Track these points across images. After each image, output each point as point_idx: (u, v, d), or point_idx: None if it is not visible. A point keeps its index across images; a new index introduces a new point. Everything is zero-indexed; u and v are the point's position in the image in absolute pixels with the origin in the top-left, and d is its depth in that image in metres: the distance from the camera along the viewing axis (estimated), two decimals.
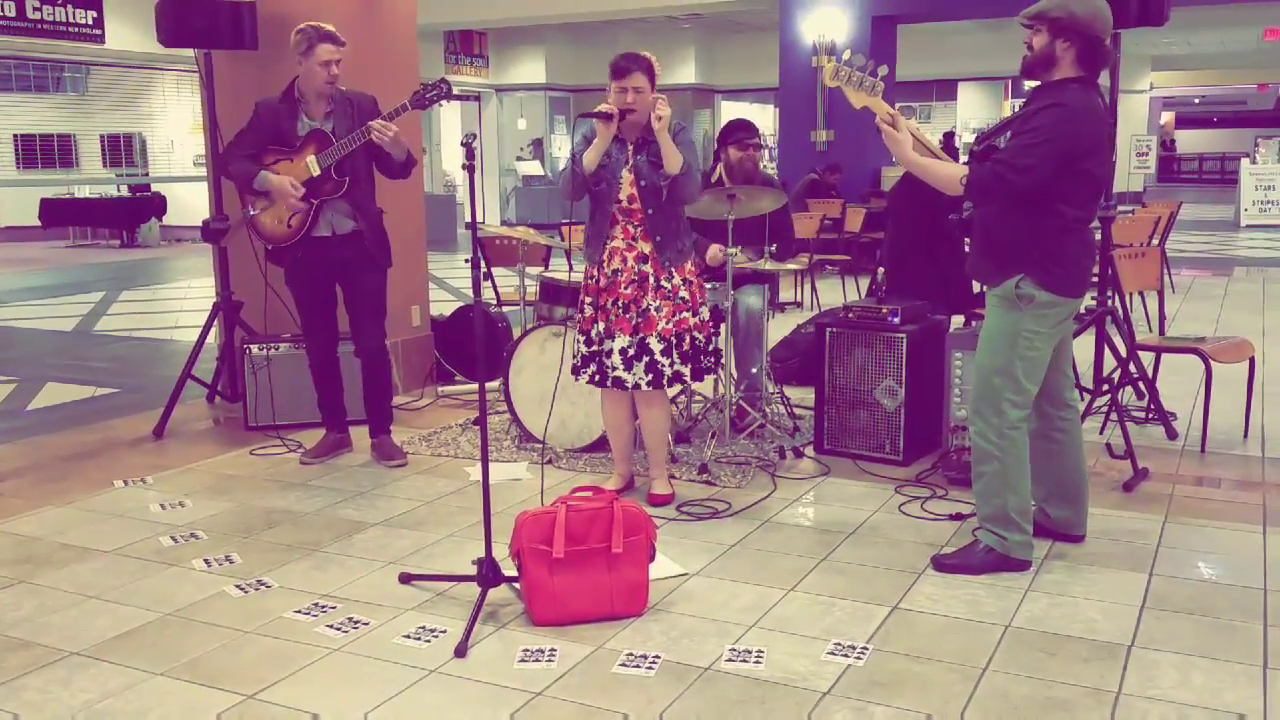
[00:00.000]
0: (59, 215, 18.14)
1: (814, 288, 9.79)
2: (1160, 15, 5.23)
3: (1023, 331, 3.54)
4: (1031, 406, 3.67)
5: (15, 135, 18.66)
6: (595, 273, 4.24)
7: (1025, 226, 3.52)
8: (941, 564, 3.69)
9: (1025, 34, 3.57)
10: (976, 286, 6.04)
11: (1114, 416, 5.12)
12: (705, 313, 4.34)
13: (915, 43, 16.67)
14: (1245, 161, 19.25)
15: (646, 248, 4.18)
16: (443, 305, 7.87)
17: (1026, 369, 3.57)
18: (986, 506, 3.67)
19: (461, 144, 3.29)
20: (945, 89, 24.73)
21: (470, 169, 3.29)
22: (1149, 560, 3.75)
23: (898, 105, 3.75)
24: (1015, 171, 3.42)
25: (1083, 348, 4.70)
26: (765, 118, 24.02)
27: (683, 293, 4.23)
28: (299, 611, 3.39)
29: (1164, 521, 4.12)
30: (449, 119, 21.33)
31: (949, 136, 19.03)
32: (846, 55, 3.67)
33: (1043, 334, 3.56)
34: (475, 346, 3.30)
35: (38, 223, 18.04)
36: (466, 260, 3.55)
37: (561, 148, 21.21)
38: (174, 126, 19.42)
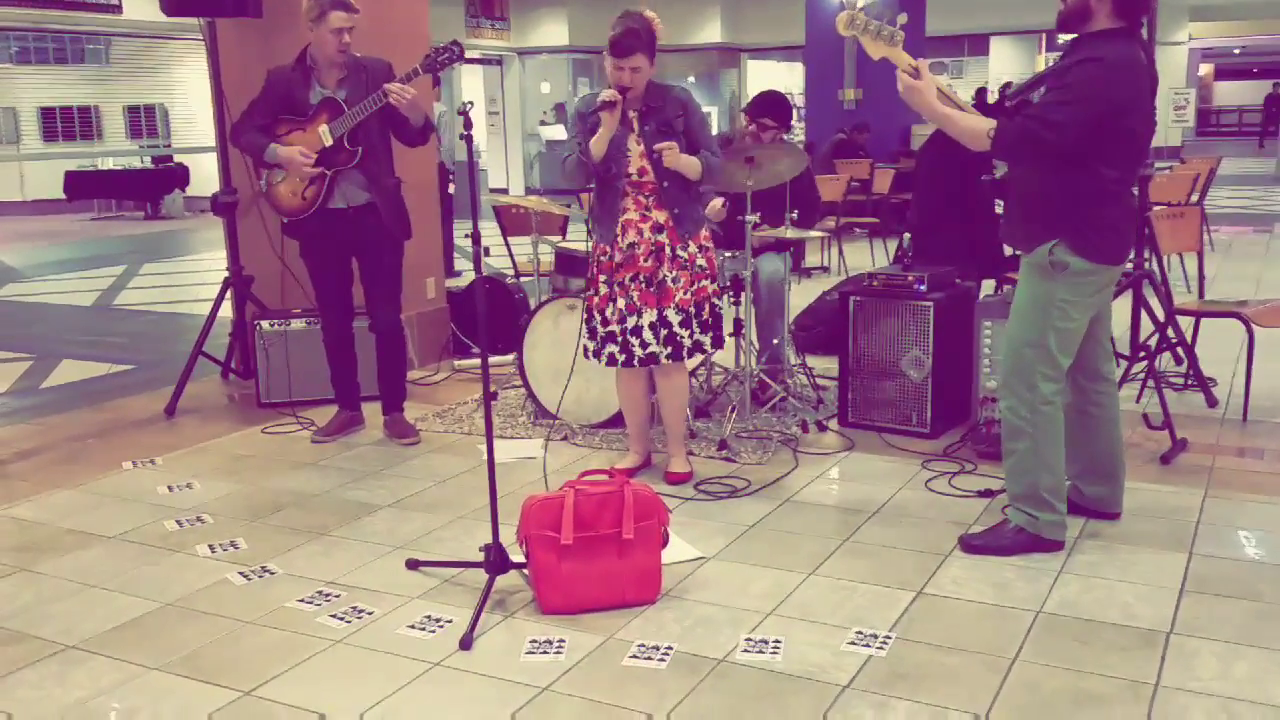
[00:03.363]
0: (83, 188, 18.12)
1: (841, 251, 9.58)
2: None
3: (1056, 301, 3.35)
4: (1065, 379, 3.48)
5: (39, 108, 18.66)
6: (609, 249, 4.08)
7: (1060, 189, 3.32)
8: (970, 545, 3.53)
9: None
10: (1008, 250, 5.86)
11: (1151, 384, 4.92)
12: (716, 283, 4.19)
13: None
14: None
15: (661, 217, 4.02)
16: (459, 276, 7.76)
17: (1060, 341, 3.38)
18: (1017, 484, 3.51)
19: (459, 113, 3.14)
20: (977, 44, 24.21)
21: (469, 139, 3.13)
22: (1188, 539, 3.58)
23: (929, 63, 3.52)
24: (1047, 128, 3.20)
25: (1119, 312, 4.49)
26: (794, 77, 23.63)
27: (699, 261, 4.08)
28: (302, 600, 3.28)
29: (1204, 496, 3.94)
30: (471, 83, 21.11)
31: (981, 93, 18.60)
32: (861, 3, 3.46)
33: (1078, 304, 3.36)
34: (487, 322, 3.15)
35: (62, 195, 18.04)
36: (467, 235, 3.40)
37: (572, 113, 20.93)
38: (196, 96, 19.30)
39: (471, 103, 3.22)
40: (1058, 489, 3.48)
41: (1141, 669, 2.77)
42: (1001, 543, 3.50)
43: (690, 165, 3.98)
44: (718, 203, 4.91)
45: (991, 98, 19.77)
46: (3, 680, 2.87)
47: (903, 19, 3.40)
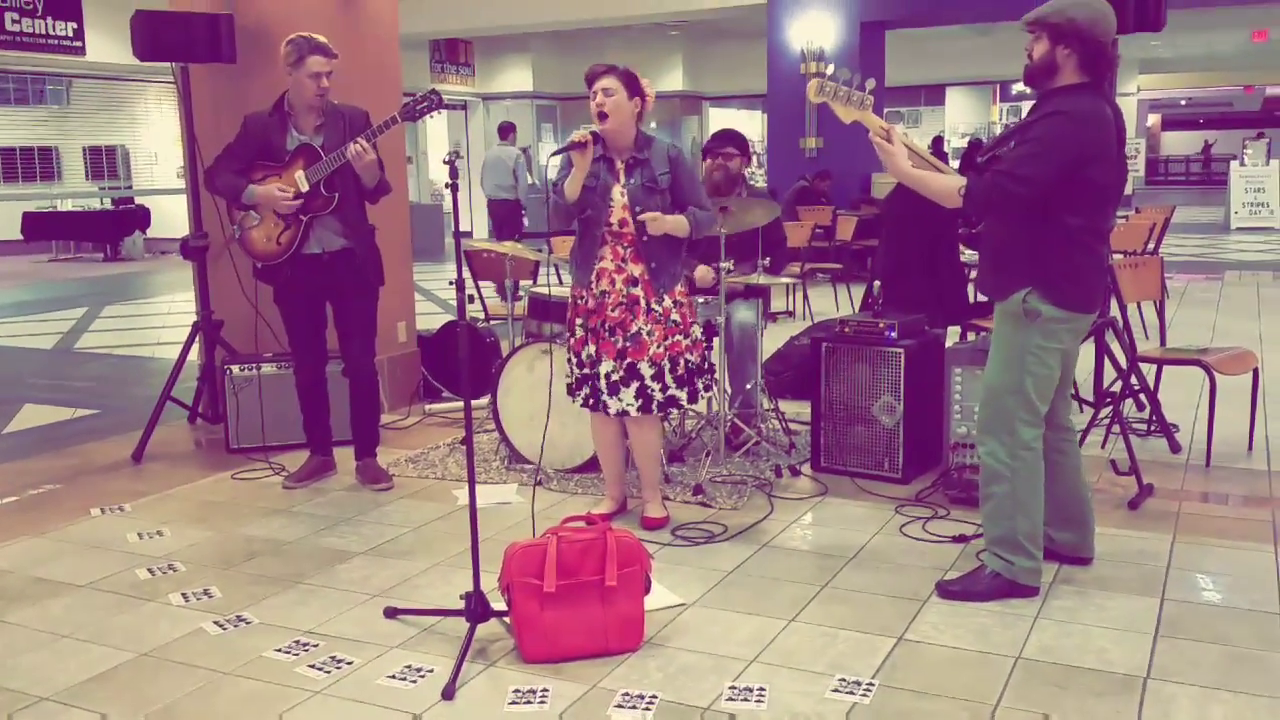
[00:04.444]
0: (41, 229, 17.93)
1: (806, 297, 9.67)
2: (1158, 21, 5.14)
3: (1032, 348, 3.42)
4: (1042, 424, 3.55)
5: None
6: (584, 294, 4.11)
7: (1030, 239, 3.41)
8: (946, 590, 3.57)
9: (1026, 40, 3.46)
10: (972, 296, 5.93)
11: (1116, 430, 5.01)
12: (697, 331, 4.22)
13: (903, 48, 16.60)
14: (1234, 164, 19.20)
15: (636, 270, 4.05)
16: (429, 319, 7.75)
17: (1037, 386, 3.45)
18: (995, 529, 3.55)
19: (444, 161, 3.16)
20: (933, 94, 24.72)
21: (454, 188, 3.16)
22: (1159, 583, 3.63)
23: (886, 111, 3.66)
24: (1015, 181, 3.30)
25: (1083, 360, 4.59)
26: (754, 124, 23.96)
27: (674, 315, 4.10)
28: (279, 650, 3.25)
29: (1172, 541, 4.01)
30: (436, 127, 21.20)
31: (938, 141, 18.96)
32: (830, 70, 3.56)
33: (1053, 350, 3.44)
34: (470, 369, 3.16)
35: (20, 237, 17.83)
36: (451, 282, 3.42)
37: (556, 165, 21.06)
38: (157, 138, 19.22)
39: (458, 153, 3.25)
40: (1035, 535, 3.52)
41: (1121, 714, 2.81)
42: (977, 588, 3.54)
43: (677, 225, 4.03)
44: (709, 273, 4.97)
45: (948, 146, 20.16)
46: None
47: (871, 84, 3.50)
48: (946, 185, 3.48)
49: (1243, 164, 19.10)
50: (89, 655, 3.25)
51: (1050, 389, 3.50)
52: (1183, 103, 37.06)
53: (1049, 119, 3.34)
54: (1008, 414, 3.47)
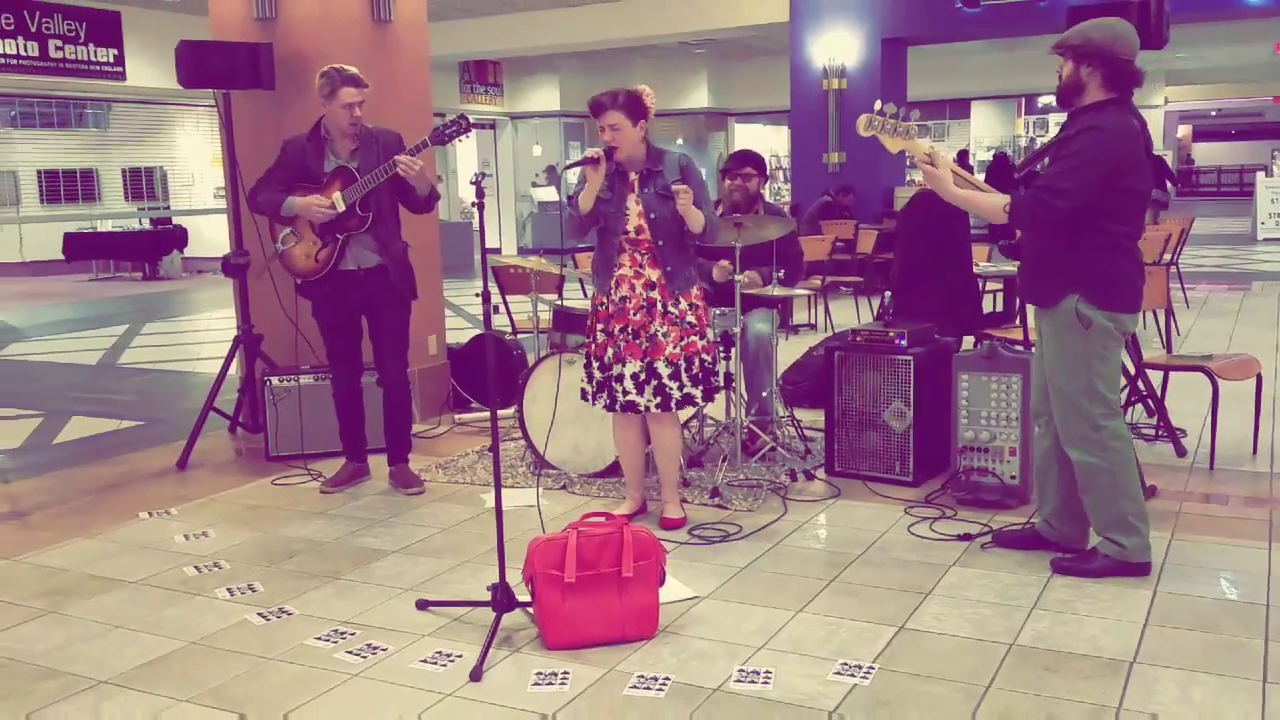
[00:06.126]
0: (82, 249, 18.42)
1: (827, 309, 9.85)
2: (1159, 39, 5.34)
3: (1095, 349, 3.67)
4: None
5: (39, 171, 18.97)
6: (604, 300, 4.34)
7: (1071, 245, 3.64)
8: (1059, 566, 3.83)
9: (1058, 62, 3.70)
10: (988, 306, 6.09)
11: None
12: (712, 334, 4.44)
13: (928, 63, 16.77)
14: (1261, 175, 19.19)
15: (654, 275, 4.28)
16: (459, 334, 7.99)
17: (1107, 382, 3.70)
18: (1103, 515, 3.78)
19: (471, 182, 3.40)
20: (958, 107, 24.83)
21: (481, 206, 3.39)
22: (1154, 576, 3.79)
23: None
24: (1056, 195, 3.54)
25: None
26: (779, 140, 24.17)
27: (689, 317, 4.33)
28: (319, 638, 3.48)
29: (1170, 539, 4.16)
30: (465, 146, 21.55)
31: (963, 155, 19.12)
32: (877, 106, 3.79)
33: (1112, 346, 3.70)
34: (496, 378, 3.39)
35: (61, 257, 18.32)
36: (477, 294, 3.65)
37: (576, 173, 21.33)
38: (194, 160, 19.70)
39: (485, 174, 3.48)
40: (1140, 510, 3.77)
41: (1106, 694, 2.98)
42: (1090, 566, 3.79)
43: (697, 217, 4.24)
44: (727, 267, 5.18)
45: (973, 160, 20.30)
46: (40, 713, 3.06)
47: (916, 115, 3.75)
48: (992, 203, 3.72)
49: (1270, 174, 19.09)
50: (143, 644, 3.49)
51: (1119, 377, 3.74)
52: (1213, 113, 36.90)
53: (1084, 134, 3.57)
54: (1087, 415, 3.70)
